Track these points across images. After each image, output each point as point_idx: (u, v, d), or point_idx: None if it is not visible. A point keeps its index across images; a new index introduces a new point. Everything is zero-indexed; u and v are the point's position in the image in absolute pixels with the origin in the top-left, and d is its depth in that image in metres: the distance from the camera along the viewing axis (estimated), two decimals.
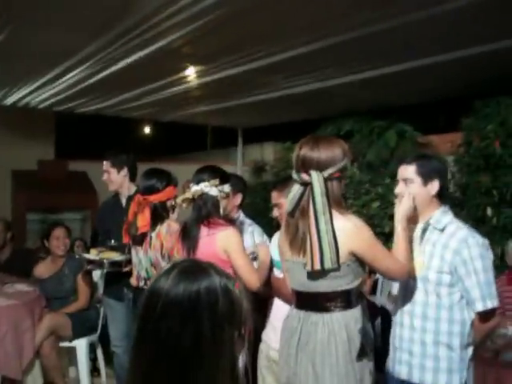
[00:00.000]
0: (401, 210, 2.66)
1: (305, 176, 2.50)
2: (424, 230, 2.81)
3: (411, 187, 2.77)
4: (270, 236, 4.40)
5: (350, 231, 2.46)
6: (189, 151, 10.56)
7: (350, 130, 7.34)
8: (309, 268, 2.46)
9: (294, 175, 2.57)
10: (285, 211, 2.70)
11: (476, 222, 5.93)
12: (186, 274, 1.30)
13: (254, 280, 3.13)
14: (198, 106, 7.46)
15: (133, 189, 4.50)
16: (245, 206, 5.88)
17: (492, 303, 2.70)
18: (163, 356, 1.24)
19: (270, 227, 6.64)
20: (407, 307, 2.80)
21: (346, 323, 2.47)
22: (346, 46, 4.80)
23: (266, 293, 3.34)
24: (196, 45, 5.02)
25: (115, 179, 4.53)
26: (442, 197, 2.84)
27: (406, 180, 2.80)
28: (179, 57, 5.33)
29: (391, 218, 3.10)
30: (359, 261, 2.50)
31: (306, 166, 2.51)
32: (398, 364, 2.84)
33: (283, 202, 3.13)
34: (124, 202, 4.55)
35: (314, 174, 2.47)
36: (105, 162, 4.54)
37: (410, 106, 7.03)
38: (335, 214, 2.47)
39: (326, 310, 2.49)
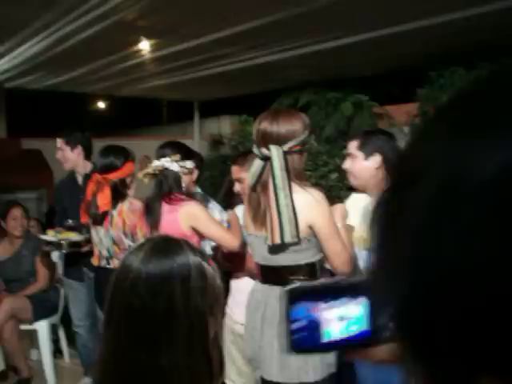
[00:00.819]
0: (338, 215, 2.63)
1: (265, 150, 2.48)
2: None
3: (354, 162, 2.89)
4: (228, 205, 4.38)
5: (309, 204, 2.45)
6: (145, 125, 10.42)
7: (307, 101, 7.33)
8: (269, 242, 2.46)
9: (255, 150, 2.55)
10: (247, 186, 2.68)
11: None
12: (158, 250, 1.29)
13: (231, 240, 3.11)
14: (154, 80, 7.36)
15: (89, 167, 4.41)
16: (203, 180, 5.87)
17: None
18: (135, 331, 1.23)
19: (227, 201, 6.67)
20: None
21: None
22: (301, 19, 4.79)
23: (230, 267, 3.36)
24: (150, 18, 4.95)
25: (70, 157, 4.44)
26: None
27: (349, 155, 2.90)
28: (133, 30, 5.25)
29: (350, 188, 3.17)
30: None
31: (265, 140, 2.49)
32: None
33: (244, 176, 3.13)
34: (80, 180, 4.47)
35: (273, 148, 2.45)
36: (58, 140, 4.43)
37: (367, 78, 7.05)
38: (296, 187, 2.47)
39: (289, 283, 2.49)
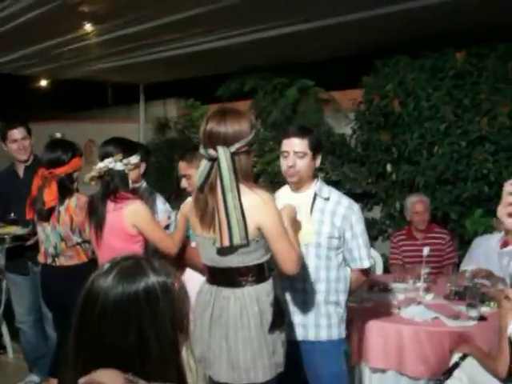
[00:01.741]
0: (285, 215, 2.63)
1: (212, 151, 2.48)
2: (313, 200, 3.00)
3: (304, 160, 2.95)
4: (177, 197, 4.39)
5: (257, 205, 2.47)
6: (89, 108, 10.19)
7: (254, 86, 7.31)
8: (218, 244, 2.47)
9: (202, 150, 2.54)
10: (195, 185, 2.67)
11: (376, 177, 6.15)
12: (125, 275, 1.29)
13: (170, 246, 3.19)
14: (98, 64, 7.18)
15: (31, 159, 4.33)
16: (149, 165, 5.79)
17: (372, 259, 3.17)
18: (106, 358, 1.23)
19: (174, 188, 6.63)
20: (300, 272, 2.88)
21: (258, 297, 2.51)
22: (246, 6, 4.77)
23: (179, 262, 3.36)
24: (94, 3, 4.83)
25: (29, 148, 4.36)
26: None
27: (297, 153, 2.95)
28: (77, 15, 5.10)
29: None
30: None
31: (212, 140, 2.48)
32: (289, 328, 2.94)
33: (192, 173, 3.12)
34: (22, 172, 4.37)
35: (220, 149, 2.45)
36: (21, 129, 4.32)
37: (313, 63, 7.07)
38: (243, 188, 2.47)
39: (237, 284, 2.52)
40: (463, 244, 5.46)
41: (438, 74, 5.71)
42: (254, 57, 6.85)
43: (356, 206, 3.06)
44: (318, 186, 3.04)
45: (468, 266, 4.69)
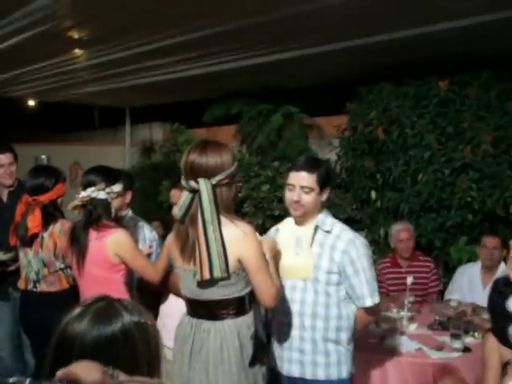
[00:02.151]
0: (266, 248, 2.58)
1: (193, 183, 2.46)
2: (314, 232, 2.89)
3: (310, 195, 2.85)
4: (163, 222, 4.35)
5: (237, 238, 2.45)
6: (76, 131, 10.17)
7: (239, 112, 7.34)
8: (198, 277, 2.44)
9: (183, 182, 2.53)
10: (175, 218, 2.65)
11: (361, 203, 6.16)
12: (100, 317, 1.28)
13: (152, 275, 3.17)
14: (85, 87, 7.20)
15: (15, 184, 4.30)
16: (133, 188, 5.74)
17: (378, 298, 2.89)
18: None
19: (158, 212, 6.60)
20: (296, 307, 2.87)
21: (238, 330, 2.47)
22: (234, 33, 4.80)
23: (161, 288, 3.35)
24: (83, 29, 4.86)
25: (15, 173, 4.34)
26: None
27: (304, 188, 2.85)
28: (64, 39, 5.12)
29: (280, 200, 3.19)
30: None
31: (194, 172, 2.47)
32: (287, 363, 2.91)
33: None
34: (5, 197, 4.34)
35: (201, 181, 2.43)
36: (8, 155, 4.30)
37: (298, 89, 7.12)
38: (224, 220, 2.46)
39: (218, 317, 2.49)
40: (448, 272, 5.46)
41: (421, 101, 5.77)
42: (239, 82, 6.90)
43: (359, 241, 2.87)
44: (321, 218, 2.92)
45: (452, 294, 4.69)
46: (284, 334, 2.94)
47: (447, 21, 4.44)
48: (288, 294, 2.92)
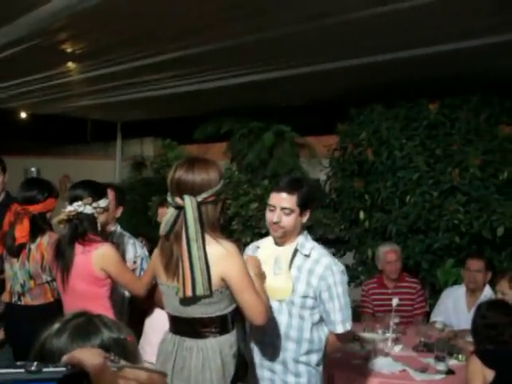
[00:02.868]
0: (251, 266, 2.60)
1: (179, 200, 2.46)
2: (293, 255, 2.89)
3: (290, 217, 2.86)
4: (149, 238, 4.35)
5: (221, 256, 2.44)
6: (67, 144, 10.16)
7: (230, 129, 7.37)
8: (181, 295, 2.43)
9: (169, 198, 2.53)
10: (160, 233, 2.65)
11: (349, 224, 6.17)
12: (78, 333, 1.27)
13: (138, 288, 3.18)
14: (77, 101, 7.21)
15: (2, 196, 4.29)
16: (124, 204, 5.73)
17: (349, 325, 2.91)
18: None
19: (148, 227, 6.59)
20: (270, 327, 2.85)
21: (221, 349, 2.47)
22: (224, 53, 4.84)
23: (146, 303, 3.34)
24: (76, 43, 4.87)
25: (1, 184, 4.32)
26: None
27: (284, 209, 2.85)
28: (57, 53, 5.13)
29: None
30: None
31: (180, 189, 2.47)
32: (260, 381, 2.92)
33: None
34: None
35: (187, 198, 2.43)
36: None
37: (289, 108, 7.15)
38: (208, 238, 2.45)
39: (200, 335, 2.48)
40: (434, 293, 5.47)
41: (411, 123, 5.82)
42: (231, 100, 6.93)
43: (336, 267, 2.86)
44: (300, 241, 2.92)
45: (437, 316, 4.70)
46: (256, 353, 2.95)
47: (439, 44, 4.48)
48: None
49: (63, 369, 0.79)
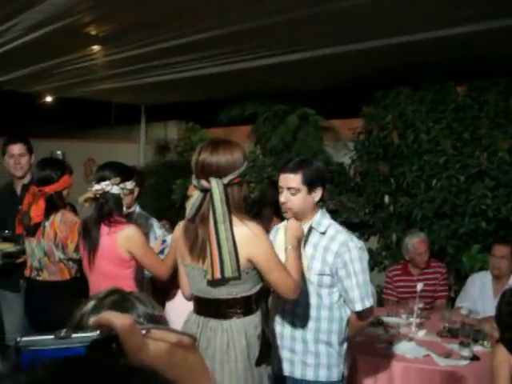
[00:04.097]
0: (290, 235, 2.63)
1: (204, 183, 2.46)
2: (308, 233, 2.90)
3: (297, 196, 2.85)
4: (172, 222, 4.37)
5: (247, 237, 2.45)
6: (92, 127, 10.20)
7: (254, 112, 7.33)
8: (209, 277, 2.44)
9: (194, 181, 2.53)
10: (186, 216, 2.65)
11: (374, 208, 6.12)
12: (115, 309, 1.27)
13: (161, 272, 3.23)
14: (102, 84, 7.22)
15: (29, 177, 4.32)
16: (146, 187, 5.77)
17: (369, 302, 2.89)
18: None
19: (171, 210, 6.61)
20: (288, 307, 2.90)
21: (246, 329, 2.47)
22: (251, 34, 4.79)
23: (170, 284, 3.37)
24: (101, 25, 4.87)
25: (27, 164, 4.35)
26: (321, 200, 2.96)
27: (290, 189, 2.86)
28: (82, 36, 5.13)
29: None
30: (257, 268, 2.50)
31: (205, 171, 2.47)
32: (278, 361, 2.92)
33: None
34: (19, 190, 4.37)
35: (213, 181, 2.43)
36: (20, 145, 4.32)
37: (314, 92, 7.08)
38: (235, 220, 2.46)
39: (225, 316, 2.49)
40: (459, 279, 5.41)
41: (438, 106, 5.72)
42: (255, 83, 6.88)
43: (353, 244, 2.85)
44: (317, 219, 2.92)
45: (463, 302, 4.65)
46: (277, 333, 2.96)
47: (468, 24, 4.39)
48: None
49: (93, 333, 0.79)
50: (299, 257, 2.64)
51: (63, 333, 0.76)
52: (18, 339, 0.72)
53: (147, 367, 0.66)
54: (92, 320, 1.12)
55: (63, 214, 3.67)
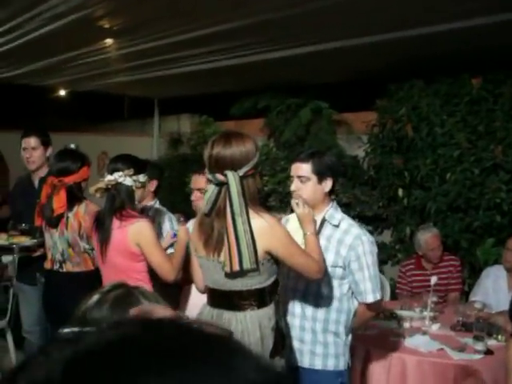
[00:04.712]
0: (305, 216, 2.67)
1: (220, 176, 2.46)
2: (320, 225, 2.92)
3: (307, 185, 2.86)
4: (187, 215, 4.38)
5: (264, 230, 2.46)
6: (105, 121, 10.23)
7: (267, 105, 7.32)
8: (228, 269, 2.45)
9: (209, 175, 2.53)
10: (200, 210, 2.66)
11: (388, 201, 6.11)
12: (119, 304, 1.28)
13: (167, 274, 3.18)
14: (115, 77, 7.24)
15: (46, 170, 4.34)
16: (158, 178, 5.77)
17: (380, 294, 2.96)
18: None
19: (185, 203, 6.62)
20: (299, 297, 2.95)
21: (260, 321, 2.48)
22: (263, 27, 4.79)
23: (181, 280, 3.36)
24: (114, 18, 4.88)
25: (40, 158, 4.36)
26: (332, 192, 3.00)
27: (300, 177, 2.89)
28: (95, 29, 5.15)
29: None
30: (274, 259, 2.51)
31: (220, 165, 2.47)
32: (288, 351, 2.93)
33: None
34: (36, 183, 4.39)
35: (229, 174, 2.43)
36: (34, 139, 4.33)
37: (327, 85, 7.05)
38: (251, 212, 2.46)
39: (239, 308, 2.50)
40: (473, 273, 5.38)
41: (452, 99, 5.68)
42: (268, 76, 6.87)
43: (366, 237, 2.93)
44: (329, 211, 2.95)
45: (477, 296, 4.62)
46: (286, 323, 2.97)
47: (482, 16, 4.35)
48: (292, 283, 2.97)
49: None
50: (318, 241, 2.69)
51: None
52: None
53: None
54: (132, 310, 1.13)
55: (87, 205, 3.69)
